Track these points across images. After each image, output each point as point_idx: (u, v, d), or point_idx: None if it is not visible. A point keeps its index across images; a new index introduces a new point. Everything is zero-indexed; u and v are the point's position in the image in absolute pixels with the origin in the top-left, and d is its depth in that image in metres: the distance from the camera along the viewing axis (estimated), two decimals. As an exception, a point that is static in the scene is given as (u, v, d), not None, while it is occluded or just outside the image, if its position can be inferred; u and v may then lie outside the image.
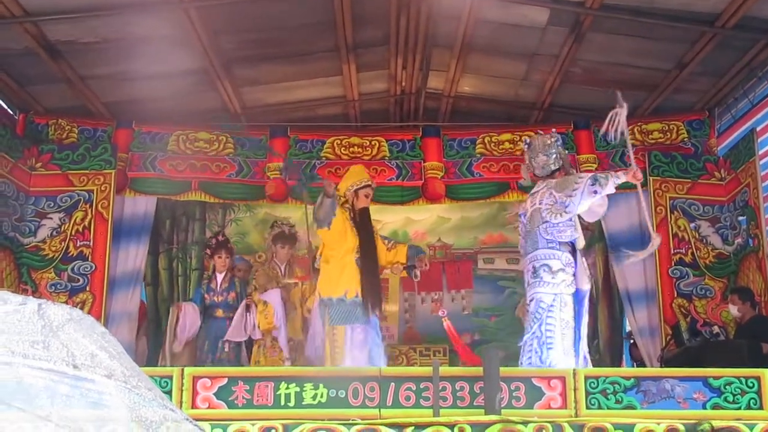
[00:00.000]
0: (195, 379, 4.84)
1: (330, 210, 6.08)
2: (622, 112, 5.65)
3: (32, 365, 1.91)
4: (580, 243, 5.78)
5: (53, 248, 7.62)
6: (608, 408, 4.83)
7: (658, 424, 4.62)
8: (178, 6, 6.61)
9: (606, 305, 8.66)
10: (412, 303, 9.21)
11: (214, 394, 4.81)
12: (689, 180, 7.94)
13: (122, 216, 8.00)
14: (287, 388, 4.82)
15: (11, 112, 8.08)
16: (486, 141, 8.49)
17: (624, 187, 6.04)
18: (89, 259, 7.60)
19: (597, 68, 7.84)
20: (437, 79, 8.43)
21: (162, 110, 8.21)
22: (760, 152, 7.32)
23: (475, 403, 4.79)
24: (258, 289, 7.49)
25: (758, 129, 7.42)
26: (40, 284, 7.51)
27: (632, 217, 7.80)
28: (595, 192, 5.59)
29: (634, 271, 7.84)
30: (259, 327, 7.23)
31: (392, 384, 4.83)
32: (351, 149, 8.49)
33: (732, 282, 7.64)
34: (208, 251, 7.83)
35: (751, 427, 4.61)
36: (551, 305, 5.51)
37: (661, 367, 6.80)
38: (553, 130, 6.30)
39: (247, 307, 7.30)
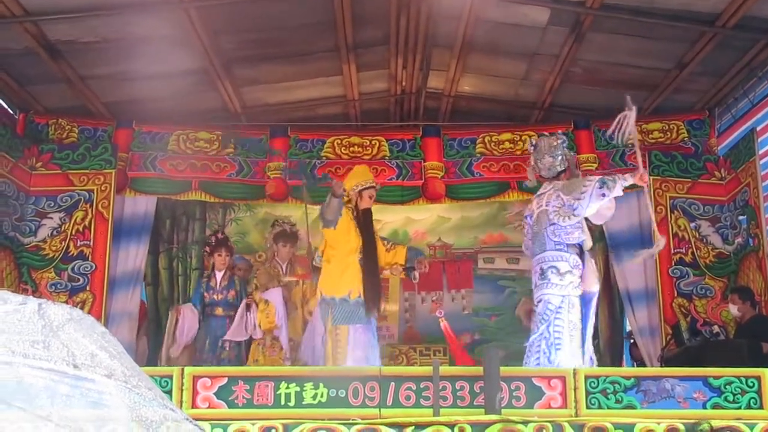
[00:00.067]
0: (195, 378, 4.84)
1: (337, 210, 6.10)
2: (630, 115, 5.67)
3: (32, 365, 1.91)
4: (588, 244, 5.80)
5: (53, 248, 7.62)
6: (608, 408, 4.83)
7: (659, 423, 4.62)
8: (178, 6, 6.61)
9: (606, 305, 8.65)
10: (413, 303, 9.21)
11: (215, 393, 4.81)
12: (689, 180, 7.94)
13: (122, 216, 8.00)
14: (287, 387, 4.82)
15: (11, 112, 8.08)
16: (486, 141, 8.49)
17: (625, 187, 6.04)
18: (89, 259, 7.60)
19: (597, 68, 7.84)
20: (437, 79, 8.43)
21: (162, 110, 8.21)
22: (760, 152, 7.32)
23: (475, 403, 4.79)
24: (259, 288, 7.48)
25: (758, 129, 7.42)
26: (40, 284, 7.51)
27: (632, 217, 7.80)
28: (604, 195, 5.61)
29: (634, 270, 7.84)
30: (260, 326, 7.21)
31: (392, 384, 4.83)
32: (351, 149, 8.49)
33: (732, 281, 7.64)
34: (207, 249, 7.82)
35: (752, 426, 4.62)
36: (559, 307, 5.53)
37: (661, 366, 6.79)
38: (559, 131, 6.32)
39: (248, 307, 7.29)
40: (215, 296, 7.43)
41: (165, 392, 4.32)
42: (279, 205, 8.56)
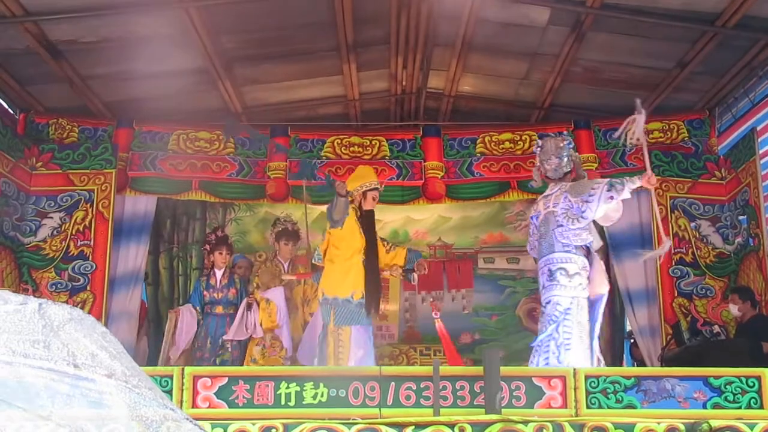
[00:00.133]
0: (195, 378, 4.84)
1: (344, 209, 6.10)
2: (640, 119, 5.67)
3: (33, 365, 1.91)
4: (597, 244, 5.81)
5: (54, 248, 7.63)
6: (608, 407, 4.82)
7: (659, 423, 4.61)
8: (178, 6, 6.61)
9: (606, 305, 8.64)
10: (413, 302, 9.21)
11: (215, 393, 4.80)
12: (690, 179, 7.95)
13: (123, 215, 8.00)
14: (288, 387, 4.82)
15: (12, 112, 8.08)
16: (486, 140, 8.49)
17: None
18: (90, 259, 7.60)
19: (598, 68, 7.84)
20: (438, 79, 8.43)
21: (162, 110, 8.22)
22: (761, 151, 7.33)
23: (475, 403, 4.78)
24: (261, 286, 7.47)
25: (759, 128, 7.42)
26: (40, 284, 7.51)
27: (632, 217, 7.80)
28: (612, 198, 5.63)
29: (634, 270, 7.85)
30: (261, 325, 7.20)
31: (392, 383, 4.82)
32: (351, 149, 8.49)
33: (732, 281, 7.65)
34: (207, 247, 7.80)
35: (752, 426, 4.61)
36: (568, 308, 5.55)
37: (661, 366, 6.80)
38: (565, 132, 6.32)
39: (249, 306, 7.27)
40: (215, 294, 7.43)
41: (165, 392, 4.32)
42: (279, 205, 8.56)
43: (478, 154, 8.44)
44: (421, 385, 4.82)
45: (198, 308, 7.44)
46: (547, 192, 6.01)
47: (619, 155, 8.19)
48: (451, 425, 4.59)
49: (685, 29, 6.97)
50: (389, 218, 8.86)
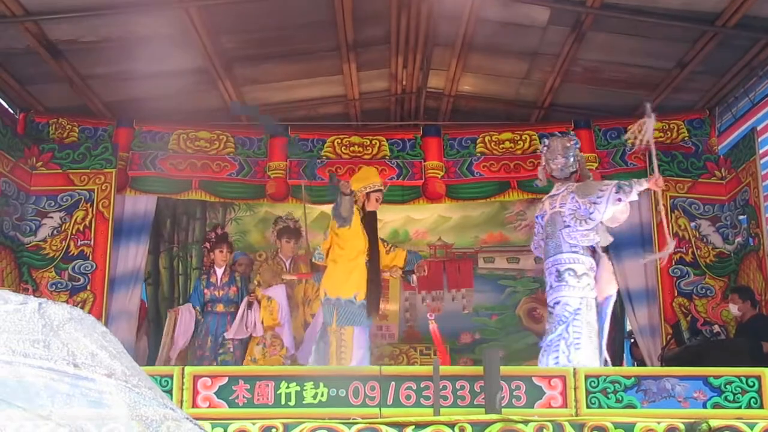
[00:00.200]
0: (195, 378, 4.84)
1: (351, 208, 6.10)
2: (649, 122, 5.69)
3: (33, 364, 1.91)
4: (606, 241, 5.81)
5: (54, 247, 7.62)
6: (609, 407, 4.82)
7: (659, 423, 4.61)
8: (178, 5, 6.61)
9: (607, 304, 8.67)
10: (413, 302, 9.22)
11: (215, 393, 4.81)
12: (690, 179, 7.95)
13: (123, 215, 8.00)
14: (288, 387, 4.82)
15: (12, 111, 8.08)
16: (486, 140, 8.49)
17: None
18: (90, 259, 7.60)
19: (598, 67, 7.84)
20: (438, 78, 8.43)
21: (163, 109, 8.21)
22: (761, 151, 7.33)
23: (475, 402, 4.79)
24: (262, 284, 7.45)
25: (759, 128, 7.42)
26: (40, 283, 7.51)
27: (632, 217, 7.75)
28: (620, 200, 5.67)
29: (634, 270, 7.84)
30: (262, 323, 7.18)
31: (393, 383, 4.83)
32: (351, 148, 8.48)
33: (732, 281, 7.65)
34: (207, 245, 7.79)
35: (752, 426, 4.61)
36: (578, 308, 5.57)
37: (661, 366, 6.80)
38: (572, 132, 6.33)
39: (249, 305, 7.26)
40: (216, 293, 7.42)
41: (165, 392, 4.32)
42: (279, 205, 8.56)
43: (478, 154, 8.44)
44: (422, 385, 4.82)
45: (198, 307, 7.42)
46: (553, 192, 6.01)
47: (619, 155, 8.20)
48: (452, 425, 4.58)
49: (685, 29, 6.97)
50: (389, 218, 8.86)
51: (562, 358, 5.50)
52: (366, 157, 8.41)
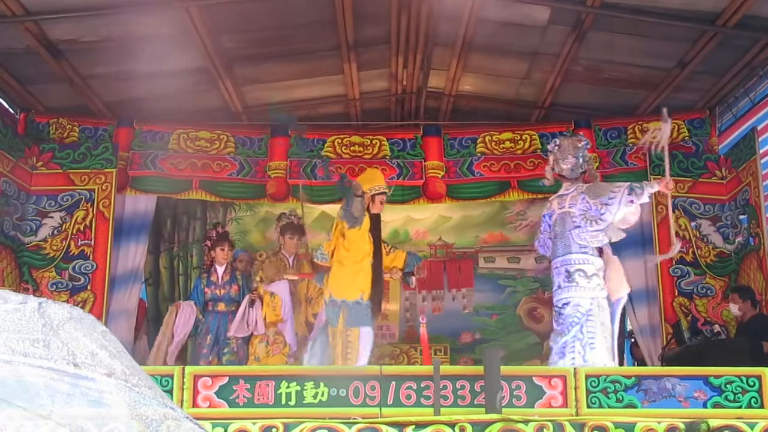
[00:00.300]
0: (196, 377, 4.84)
1: (362, 208, 6.08)
2: (666, 127, 5.72)
3: (33, 364, 1.91)
4: (617, 237, 5.81)
5: (54, 247, 7.63)
6: (609, 407, 4.83)
7: (659, 423, 4.61)
8: (179, 5, 6.61)
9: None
10: (413, 302, 9.22)
11: (215, 392, 4.81)
12: (690, 179, 7.95)
13: (123, 214, 8.00)
14: (288, 387, 4.82)
15: (12, 111, 8.08)
16: (487, 140, 8.48)
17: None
18: (90, 258, 7.60)
19: (598, 67, 7.84)
20: (438, 78, 8.43)
21: (163, 109, 8.22)
22: (761, 151, 7.33)
23: (475, 402, 4.79)
24: (264, 280, 7.41)
25: (759, 128, 7.42)
26: (41, 283, 7.51)
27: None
28: (632, 201, 5.69)
29: (634, 270, 7.82)
30: (265, 319, 7.13)
31: (393, 383, 4.83)
32: (352, 148, 8.48)
33: (733, 281, 7.65)
34: (208, 243, 7.76)
35: (752, 426, 4.61)
36: (590, 309, 5.58)
37: (661, 365, 6.79)
38: (581, 133, 6.34)
39: (251, 303, 7.22)
40: (217, 291, 7.37)
41: (165, 391, 4.31)
42: (280, 205, 8.54)
43: (479, 154, 8.43)
44: (422, 385, 4.82)
45: (198, 307, 7.39)
46: (562, 191, 6.01)
47: (619, 155, 8.20)
48: (452, 425, 4.58)
49: (686, 29, 6.97)
50: (390, 218, 8.83)
51: (578, 358, 5.50)
52: (366, 156, 8.41)
